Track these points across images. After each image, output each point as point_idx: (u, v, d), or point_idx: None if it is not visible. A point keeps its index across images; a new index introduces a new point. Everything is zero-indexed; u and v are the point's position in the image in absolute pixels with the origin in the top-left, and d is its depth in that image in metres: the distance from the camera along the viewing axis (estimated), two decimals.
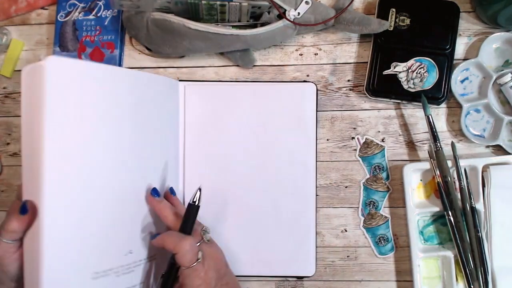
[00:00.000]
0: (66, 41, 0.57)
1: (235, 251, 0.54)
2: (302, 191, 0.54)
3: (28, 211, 0.41)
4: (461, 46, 0.55)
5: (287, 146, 0.54)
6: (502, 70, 0.53)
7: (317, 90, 0.55)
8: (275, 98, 0.55)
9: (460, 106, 0.54)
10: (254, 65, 0.57)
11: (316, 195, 0.55)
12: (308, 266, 0.55)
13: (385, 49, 0.54)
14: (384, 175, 0.56)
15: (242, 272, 0.54)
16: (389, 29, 0.53)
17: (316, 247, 0.55)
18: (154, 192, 0.48)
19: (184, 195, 0.55)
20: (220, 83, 0.56)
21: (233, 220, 0.54)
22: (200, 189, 0.46)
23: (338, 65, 0.57)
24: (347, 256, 0.56)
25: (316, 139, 0.55)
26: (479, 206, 0.52)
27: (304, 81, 0.56)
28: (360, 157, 0.56)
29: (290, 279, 0.56)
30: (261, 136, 0.55)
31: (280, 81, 0.56)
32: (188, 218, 0.46)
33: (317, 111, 0.55)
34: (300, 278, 0.55)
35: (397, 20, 0.54)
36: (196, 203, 0.45)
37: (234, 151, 0.55)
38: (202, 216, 0.55)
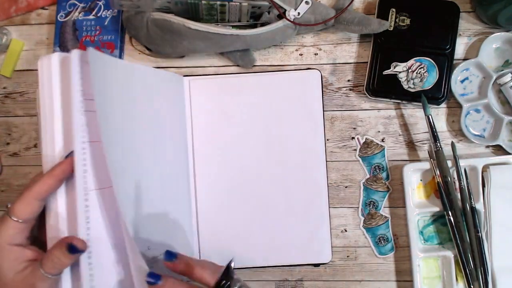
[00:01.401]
0: (66, 41, 0.57)
1: (249, 243, 0.54)
2: (313, 177, 0.54)
3: (77, 252, 0.37)
4: (461, 46, 0.55)
5: (295, 133, 0.55)
6: (502, 70, 0.53)
7: (321, 76, 0.55)
8: (280, 87, 0.55)
9: (460, 106, 0.54)
10: (254, 65, 0.57)
11: (328, 181, 0.55)
12: (324, 253, 0.55)
13: (385, 49, 0.54)
14: (384, 175, 0.56)
15: (258, 263, 0.54)
16: (389, 29, 0.53)
17: (331, 233, 0.55)
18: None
19: (196, 190, 0.55)
20: (223, 75, 0.56)
21: (246, 212, 0.54)
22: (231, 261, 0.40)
23: (338, 65, 0.57)
24: (347, 256, 0.56)
25: (324, 126, 0.55)
26: (479, 206, 0.52)
27: (308, 69, 0.56)
28: (360, 157, 0.56)
29: (290, 278, 0.56)
30: (268, 126, 0.55)
31: (282, 70, 0.56)
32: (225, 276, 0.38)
33: (323, 96, 0.55)
34: (316, 265, 0.55)
35: (397, 20, 0.54)
36: (231, 266, 0.39)
37: (243, 142, 0.55)
38: (212, 210, 0.55)
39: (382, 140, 0.56)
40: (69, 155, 0.38)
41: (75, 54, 0.37)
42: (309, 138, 0.55)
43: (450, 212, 0.52)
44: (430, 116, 0.53)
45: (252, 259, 0.54)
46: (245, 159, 0.55)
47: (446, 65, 0.53)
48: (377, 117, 0.56)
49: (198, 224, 0.55)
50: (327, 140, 0.56)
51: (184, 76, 0.56)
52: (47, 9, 0.59)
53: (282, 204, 0.54)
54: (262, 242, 0.54)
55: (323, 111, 0.55)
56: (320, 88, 0.55)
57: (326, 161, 0.55)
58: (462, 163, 0.53)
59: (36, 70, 0.59)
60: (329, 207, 0.55)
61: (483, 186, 0.53)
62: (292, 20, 0.52)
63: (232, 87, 0.55)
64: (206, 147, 0.55)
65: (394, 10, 0.54)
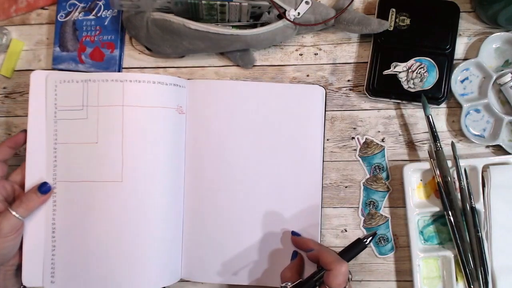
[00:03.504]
0: (66, 41, 0.57)
1: (244, 255, 0.54)
2: (308, 191, 0.54)
3: (48, 191, 0.50)
4: (461, 46, 0.55)
5: (292, 146, 0.54)
6: (502, 70, 0.53)
7: (326, 93, 0.55)
8: (282, 99, 0.54)
9: (460, 106, 0.54)
10: (254, 65, 0.57)
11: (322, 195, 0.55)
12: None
13: (385, 49, 0.54)
14: (384, 175, 0.56)
15: (253, 277, 0.54)
16: (389, 29, 0.53)
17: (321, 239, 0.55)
18: (295, 233, 0.52)
19: (184, 195, 0.55)
20: (224, 80, 0.56)
21: (240, 224, 0.54)
22: (375, 234, 0.50)
23: (338, 65, 0.57)
24: None
25: (324, 140, 0.55)
26: (479, 206, 0.52)
27: (310, 83, 0.56)
28: (360, 157, 0.56)
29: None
30: (264, 137, 0.54)
31: (285, 82, 0.56)
32: (351, 250, 0.47)
33: (325, 111, 0.55)
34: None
35: (397, 20, 0.54)
36: (366, 243, 0.47)
37: (239, 151, 0.54)
38: (209, 217, 0.55)
39: (382, 140, 0.56)
40: (22, 131, 0.51)
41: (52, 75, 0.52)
42: (306, 152, 0.54)
43: (450, 212, 0.52)
44: (430, 116, 0.53)
45: (250, 275, 0.53)
46: (239, 170, 0.54)
47: (446, 65, 0.53)
48: (377, 117, 0.56)
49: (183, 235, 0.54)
50: (327, 140, 0.56)
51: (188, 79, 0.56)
52: (47, 9, 0.59)
53: (276, 216, 0.54)
54: (254, 255, 0.53)
55: (324, 127, 0.55)
56: (322, 104, 0.55)
57: (323, 174, 0.55)
58: (462, 163, 0.53)
59: (36, 70, 0.59)
60: (321, 221, 0.54)
61: (483, 186, 0.53)
62: (292, 20, 0.52)
63: (233, 94, 0.54)
64: (199, 154, 0.54)
65: (394, 10, 0.54)
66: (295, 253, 0.52)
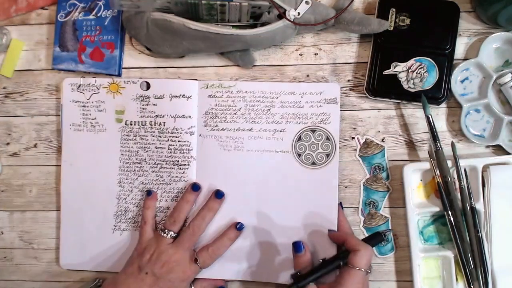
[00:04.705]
0: (66, 41, 0.57)
1: (260, 256, 0.54)
2: (325, 194, 0.54)
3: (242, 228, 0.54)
4: (461, 46, 0.55)
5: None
6: (502, 70, 0.53)
7: (340, 90, 0.55)
8: (297, 99, 0.55)
9: (460, 106, 0.54)
10: (254, 65, 0.57)
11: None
12: None
13: (385, 49, 0.54)
14: (384, 175, 0.56)
15: (267, 279, 0.54)
16: (389, 29, 0.53)
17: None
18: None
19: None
20: (239, 81, 0.56)
21: (256, 225, 0.54)
22: (391, 230, 0.55)
23: (338, 65, 0.57)
24: None
25: (338, 142, 0.55)
26: (479, 206, 0.52)
27: (326, 81, 0.56)
28: (360, 157, 0.56)
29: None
30: (288, 137, 0.55)
31: (301, 81, 0.56)
32: (372, 239, 0.51)
33: (340, 110, 0.55)
34: None
35: (397, 20, 0.54)
36: (385, 236, 0.52)
37: (255, 152, 0.55)
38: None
39: (382, 140, 0.56)
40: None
41: None
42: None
43: (450, 212, 0.52)
44: (430, 116, 0.53)
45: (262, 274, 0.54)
46: (255, 172, 0.55)
47: (446, 65, 0.53)
48: (377, 117, 0.56)
49: None
50: None
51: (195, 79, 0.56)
52: (47, 9, 0.59)
53: (293, 217, 0.54)
54: (270, 256, 0.54)
55: (339, 128, 0.55)
56: (338, 103, 0.54)
57: (338, 176, 0.54)
58: (462, 163, 0.53)
59: (36, 70, 0.59)
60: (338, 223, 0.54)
61: (483, 186, 0.53)
62: (292, 20, 0.52)
63: (246, 92, 0.55)
64: (210, 158, 0.55)
65: (394, 10, 0.54)
66: (298, 245, 0.51)
